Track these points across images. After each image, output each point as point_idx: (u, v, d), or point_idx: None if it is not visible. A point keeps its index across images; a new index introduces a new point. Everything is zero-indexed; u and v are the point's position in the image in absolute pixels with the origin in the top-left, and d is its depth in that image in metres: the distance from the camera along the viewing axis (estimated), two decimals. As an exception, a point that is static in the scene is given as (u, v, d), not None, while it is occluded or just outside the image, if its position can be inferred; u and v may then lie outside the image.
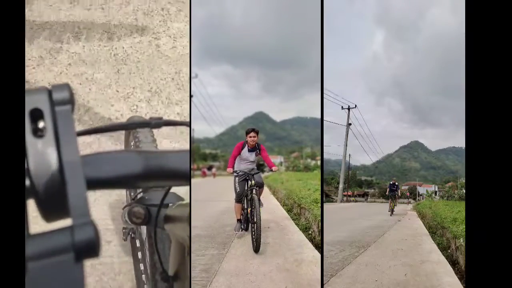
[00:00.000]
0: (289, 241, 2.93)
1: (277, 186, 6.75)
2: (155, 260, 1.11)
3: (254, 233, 2.54)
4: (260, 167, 3.12)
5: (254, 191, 2.77)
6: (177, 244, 0.92)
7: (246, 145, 2.95)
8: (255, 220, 2.54)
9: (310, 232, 3.20)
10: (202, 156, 27.25)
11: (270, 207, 4.81)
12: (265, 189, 7.78)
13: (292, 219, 3.87)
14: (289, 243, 2.85)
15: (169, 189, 0.85)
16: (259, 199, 2.82)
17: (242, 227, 2.93)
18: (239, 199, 2.90)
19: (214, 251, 2.58)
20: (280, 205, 5.01)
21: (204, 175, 15.99)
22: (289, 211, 4.44)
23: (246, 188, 2.85)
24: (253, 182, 2.81)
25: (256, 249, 2.50)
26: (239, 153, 2.97)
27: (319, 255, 2.51)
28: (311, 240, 2.94)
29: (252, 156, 3.00)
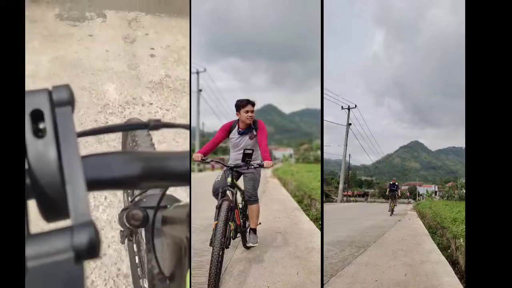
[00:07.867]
0: (300, 230, 2.99)
1: (287, 178, 6.85)
2: (153, 264, 1.10)
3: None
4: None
5: (227, 194, 1.79)
6: (174, 245, 0.91)
7: (237, 125, 2.02)
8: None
9: (320, 222, 3.24)
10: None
11: (280, 198, 4.99)
12: (275, 181, 7.86)
13: (303, 210, 3.96)
14: (300, 233, 2.91)
15: (165, 191, 0.85)
16: (243, 220, 1.99)
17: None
18: (215, 195, 1.88)
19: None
20: (290, 196, 5.11)
21: (213, 168, 16.83)
22: (299, 202, 4.54)
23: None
24: (229, 179, 1.85)
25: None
26: (226, 137, 2.04)
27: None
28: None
29: (244, 141, 2.02)
